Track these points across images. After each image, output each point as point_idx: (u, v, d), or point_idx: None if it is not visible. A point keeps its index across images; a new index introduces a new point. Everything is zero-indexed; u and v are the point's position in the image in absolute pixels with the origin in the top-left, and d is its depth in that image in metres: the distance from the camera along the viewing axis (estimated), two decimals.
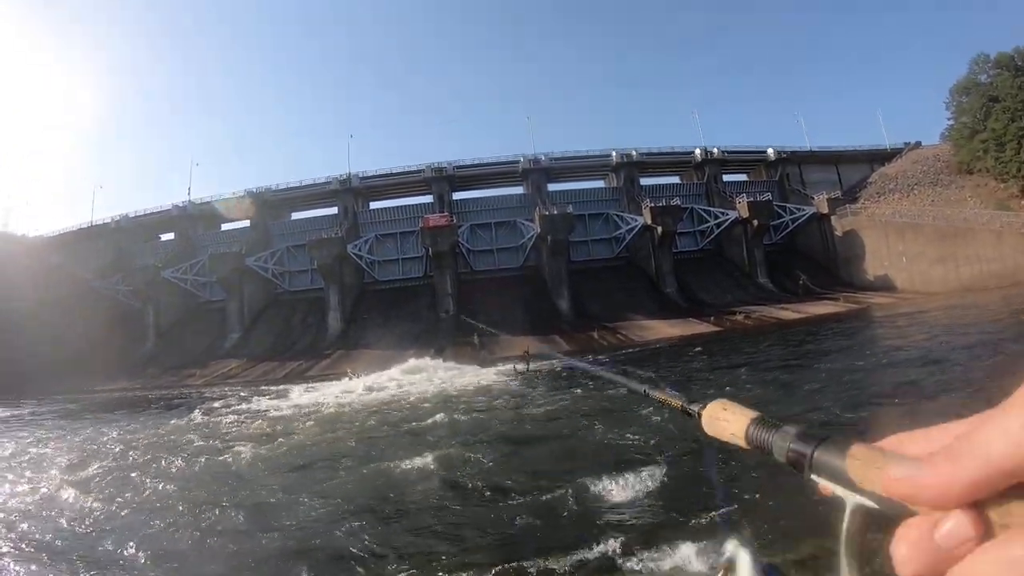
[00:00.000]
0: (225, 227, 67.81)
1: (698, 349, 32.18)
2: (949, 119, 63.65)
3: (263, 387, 34.93)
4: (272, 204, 65.05)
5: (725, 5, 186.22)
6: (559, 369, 28.35)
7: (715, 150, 67.09)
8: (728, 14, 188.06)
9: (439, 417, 17.40)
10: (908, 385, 15.89)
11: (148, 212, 67.12)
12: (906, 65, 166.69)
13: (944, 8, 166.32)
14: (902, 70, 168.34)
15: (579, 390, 20.73)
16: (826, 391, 16.23)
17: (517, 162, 64.06)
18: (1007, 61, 55.98)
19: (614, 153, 64.91)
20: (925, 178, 62.15)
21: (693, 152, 67.34)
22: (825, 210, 59.40)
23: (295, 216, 68.38)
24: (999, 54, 57.16)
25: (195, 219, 65.76)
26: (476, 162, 65.19)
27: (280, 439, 16.57)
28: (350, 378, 33.24)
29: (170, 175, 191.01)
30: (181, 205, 66.10)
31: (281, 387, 33.56)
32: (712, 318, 45.51)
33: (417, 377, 31.14)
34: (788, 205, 62.63)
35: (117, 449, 17.16)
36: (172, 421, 22.47)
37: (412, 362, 35.58)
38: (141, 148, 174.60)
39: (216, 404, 27.41)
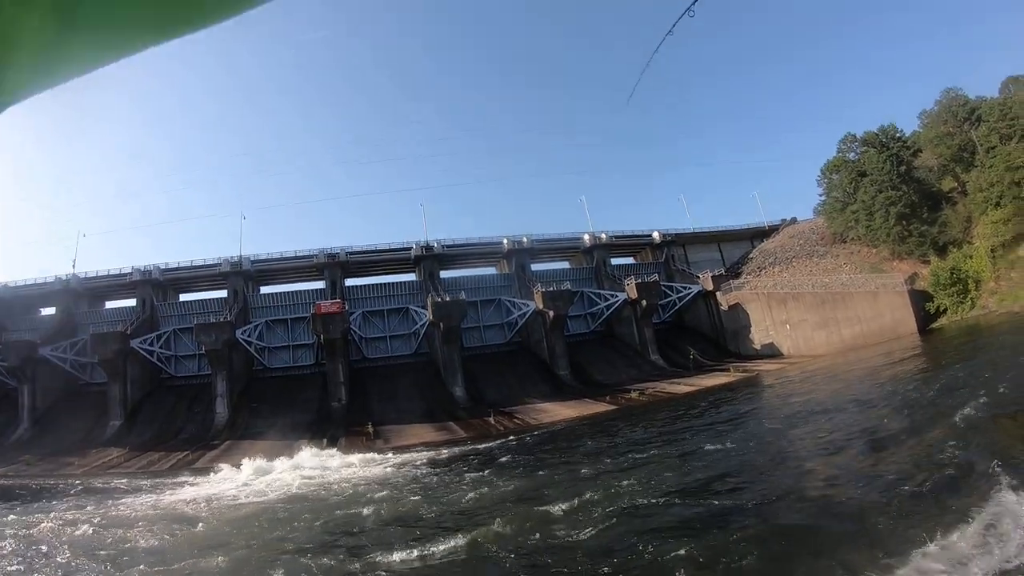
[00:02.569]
0: (109, 305, 67.47)
1: (597, 428, 34.73)
2: (821, 195, 71.76)
3: (146, 480, 34.17)
4: (160, 284, 64.88)
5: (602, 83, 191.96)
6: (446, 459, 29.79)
7: (603, 235, 71.44)
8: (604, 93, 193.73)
9: (337, 514, 18.51)
10: (802, 434, 18.78)
11: (29, 283, 65.45)
12: (779, 146, 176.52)
13: (813, 92, 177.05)
14: (776, 151, 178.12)
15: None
16: (728, 453, 18.65)
17: (409, 249, 66.38)
18: (873, 139, 63.46)
19: (505, 240, 68.04)
20: (802, 250, 68.46)
21: (582, 238, 71.39)
22: (710, 287, 64.16)
23: (184, 298, 68.33)
24: (866, 133, 65.27)
25: (79, 294, 64.81)
26: (369, 248, 67.04)
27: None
28: (235, 469, 33.05)
29: (52, 248, 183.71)
30: (64, 278, 64.69)
31: (166, 480, 33.38)
32: (607, 397, 47.36)
33: (307, 469, 31.46)
34: (675, 284, 67.65)
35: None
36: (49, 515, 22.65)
37: (303, 453, 36.14)
38: (23, 214, 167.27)
39: (94, 498, 27.34)
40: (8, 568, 15.52)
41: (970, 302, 50.60)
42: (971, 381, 23.50)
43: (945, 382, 25.23)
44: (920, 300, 51.85)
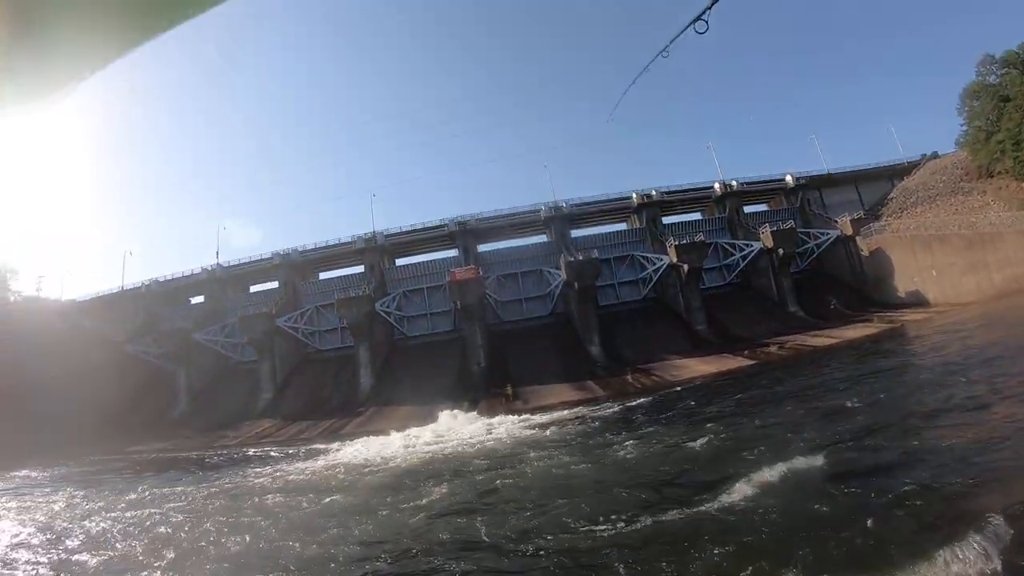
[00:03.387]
0: (254, 288, 70.61)
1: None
2: (962, 125, 64.53)
3: (295, 448, 35.60)
4: (299, 265, 67.48)
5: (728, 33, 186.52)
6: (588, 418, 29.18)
7: (734, 183, 68.82)
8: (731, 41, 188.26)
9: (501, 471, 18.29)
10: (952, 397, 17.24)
11: (177, 276, 70.00)
12: (913, 77, 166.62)
13: (943, 14, 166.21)
14: (910, 84, 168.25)
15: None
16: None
17: (539, 211, 66.03)
18: (1014, 59, 56.86)
19: (634, 195, 66.75)
20: (946, 188, 62.97)
21: (712, 187, 69.04)
22: (849, 231, 60.64)
23: (323, 276, 70.71)
24: (1007, 52, 58.01)
25: (224, 282, 68.51)
26: (499, 213, 67.11)
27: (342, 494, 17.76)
28: (384, 434, 33.81)
29: (197, 240, 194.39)
30: (210, 268, 68.86)
31: (316, 445, 34.57)
32: (746, 351, 45.50)
33: (449, 432, 31.64)
34: (812, 230, 64.29)
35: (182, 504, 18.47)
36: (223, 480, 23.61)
37: (444, 416, 36.75)
38: (169, 213, 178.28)
39: (258, 465, 28.30)
40: (179, 533, 16.08)
41: None
42: None
43: None
44: None
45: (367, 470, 23.47)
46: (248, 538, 14.46)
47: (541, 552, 11.04)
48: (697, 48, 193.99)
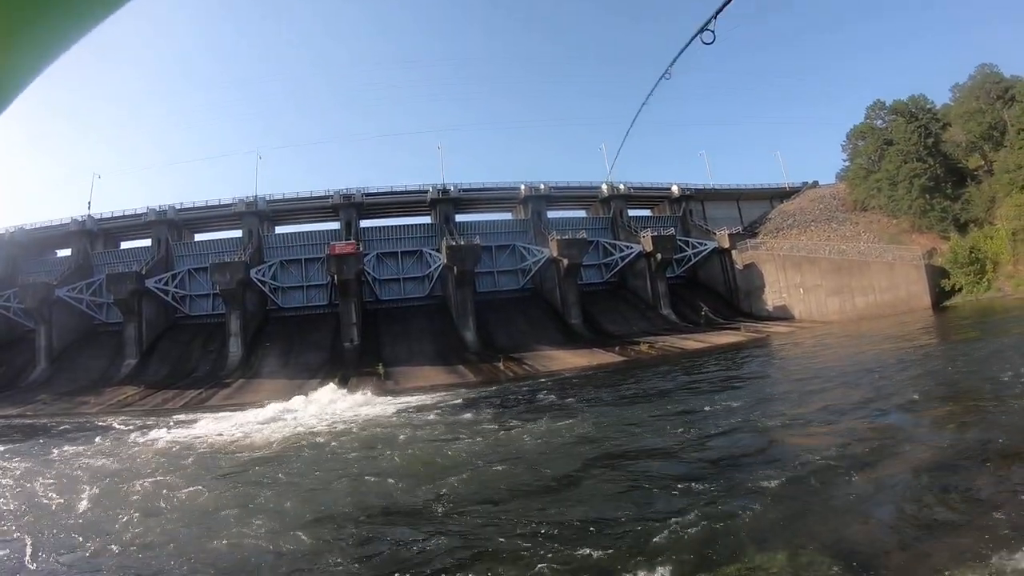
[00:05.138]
0: (125, 245, 67.78)
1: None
2: (845, 160, 71.23)
3: (156, 417, 34.26)
4: (175, 224, 65.10)
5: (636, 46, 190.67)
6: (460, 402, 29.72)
7: (621, 186, 70.78)
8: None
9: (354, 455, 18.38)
10: (804, 399, 19.06)
11: (44, 225, 65.79)
12: (803, 110, 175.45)
13: (839, 58, 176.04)
14: (800, 114, 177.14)
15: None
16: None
17: (426, 191, 65.88)
18: (902, 108, 62.56)
19: (523, 186, 67.53)
20: (822, 215, 67.67)
21: (600, 187, 70.64)
22: (726, 244, 63.77)
23: (200, 238, 68.34)
24: (895, 102, 64.29)
25: (94, 236, 65.22)
26: (385, 190, 66.80)
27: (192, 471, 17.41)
28: (248, 408, 33.39)
29: (69, 188, 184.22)
30: (80, 220, 64.97)
31: (182, 416, 33.52)
32: (617, 348, 47.19)
33: (316, 409, 31.30)
34: (691, 239, 67.02)
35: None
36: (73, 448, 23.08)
37: (314, 393, 36.29)
38: (41, 158, 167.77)
39: (107, 436, 27.25)
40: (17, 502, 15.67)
41: (986, 283, 49.93)
42: (988, 359, 23.25)
43: (957, 359, 24.95)
44: (936, 276, 51.05)
45: (219, 448, 22.43)
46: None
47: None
48: (611, 56, 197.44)
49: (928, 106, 63.82)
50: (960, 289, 50.71)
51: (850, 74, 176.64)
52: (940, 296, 50.58)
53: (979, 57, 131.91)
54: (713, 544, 8.68)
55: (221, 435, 24.73)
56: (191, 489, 15.18)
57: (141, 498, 14.71)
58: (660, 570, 7.87)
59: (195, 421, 29.98)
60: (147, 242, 64.97)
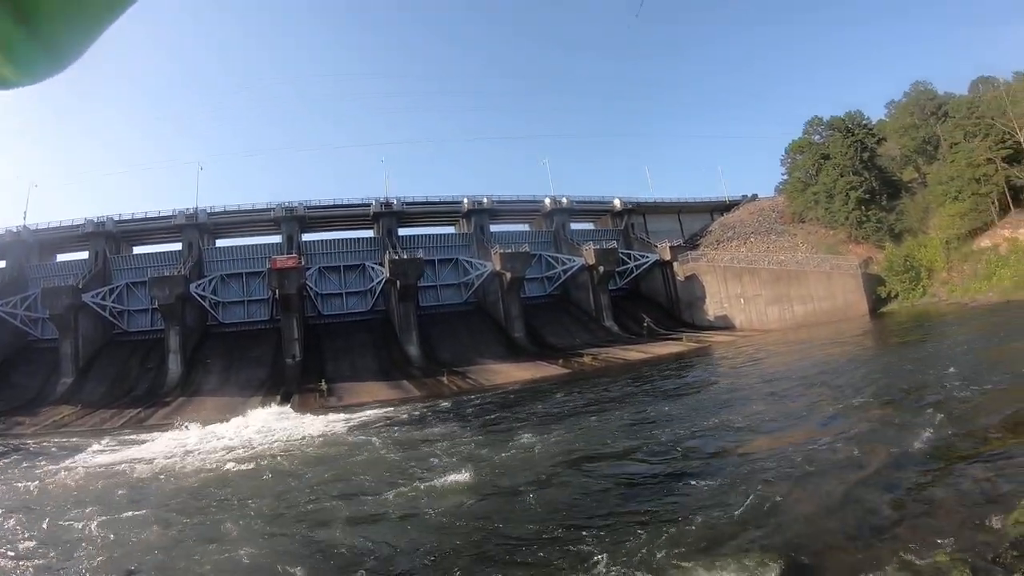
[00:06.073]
0: (61, 258, 66.36)
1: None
2: (783, 174, 72.98)
3: (95, 439, 32.75)
4: (114, 236, 63.74)
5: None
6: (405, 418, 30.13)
7: (564, 200, 71.89)
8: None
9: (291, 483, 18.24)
10: (744, 406, 19.89)
11: None
12: (743, 126, 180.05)
13: (776, 83, 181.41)
14: (739, 130, 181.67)
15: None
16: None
17: (369, 205, 65.88)
18: (839, 124, 64.82)
19: (466, 200, 68.01)
20: (761, 227, 69.52)
21: (543, 201, 71.74)
22: (667, 256, 65.15)
23: (138, 251, 67.11)
24: (832, 117, 66.22)
25: (29, 247, 63.17)
26: (327, 203, 66.53)
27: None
28: (187, 428, 33.25)
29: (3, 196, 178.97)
30: (15, 230, 63.02)
31: (118, 436, 33.20)
32: (561, 360, 47.91)
33: (258, 427, 31.41)
34: (633, 252, 68.49)
35: None
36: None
37: (256, 411, 36.61)
38: None
39: (38, 460, 26.96)
40: None
41: (921, 289, 52.58)
42: (916, 364, 24.48)
43: (889, 363, 26.21)
44: (872, 284, 53.51)
45: (155, 472, 22.07)
46: None
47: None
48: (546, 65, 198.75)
49: (864, 122, 66.05)
50: (896, 296, 53.17)
51: (787, 93, 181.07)
52: (877, 303, 52.95)
53: (914, 74, 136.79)
54: (657, 550, 9.32)
55: (155, 459, 24.53)
56: (106, 518, 15.11)
57: (73, 529, 14.60)
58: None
59: (133, 443, 29.96)
60: (84, 255, 63.63)
